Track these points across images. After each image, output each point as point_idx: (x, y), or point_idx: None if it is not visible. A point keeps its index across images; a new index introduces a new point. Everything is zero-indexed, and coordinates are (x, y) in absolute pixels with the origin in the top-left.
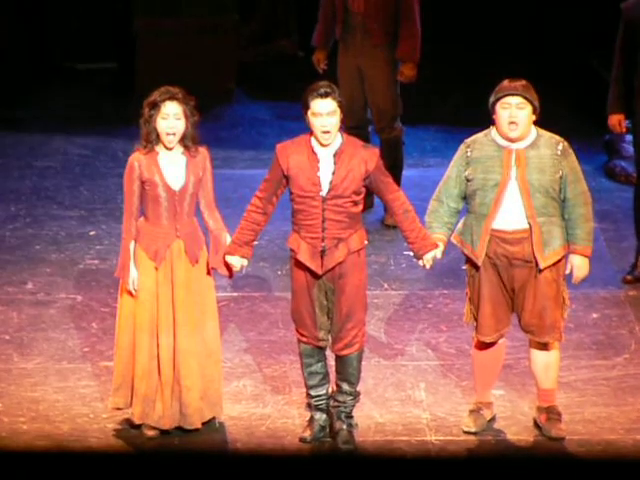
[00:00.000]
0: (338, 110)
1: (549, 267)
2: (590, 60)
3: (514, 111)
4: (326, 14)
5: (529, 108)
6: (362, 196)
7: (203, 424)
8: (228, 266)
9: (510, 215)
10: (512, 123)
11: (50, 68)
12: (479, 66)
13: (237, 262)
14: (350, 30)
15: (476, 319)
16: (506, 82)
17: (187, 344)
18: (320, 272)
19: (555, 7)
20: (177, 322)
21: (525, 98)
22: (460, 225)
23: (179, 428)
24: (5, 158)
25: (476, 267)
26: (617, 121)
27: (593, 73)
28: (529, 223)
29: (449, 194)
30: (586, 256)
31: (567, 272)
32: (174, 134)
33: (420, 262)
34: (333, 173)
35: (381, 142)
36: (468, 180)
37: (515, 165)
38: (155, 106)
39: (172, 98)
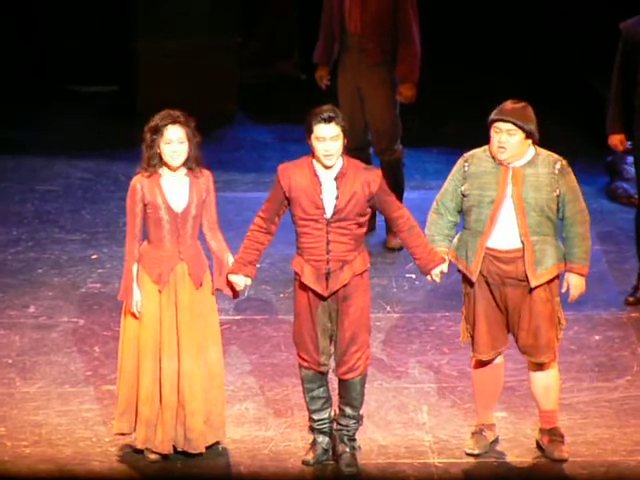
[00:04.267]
0: (341, 135)
1: (542, 286)
2: (592, 80)
3: (504, 137)
4: (326, 32)
5: (520, 134)
6: (367, 217)
7: (207, 448)
8: (232, 286)
9: (505, 234)
10: (500, 147)
11: (51, 91)
12: (480, 87)
13: (241, 281)
14: (347, 50)
15: (472, 337)
16: (508, 103)
17: (191, 368)
18: (326, 294)
19: (556, 27)
20: (181, 346)
21: (515, 125)
22: (456, 240)
23: (183, 452)
24: (7, 182)
25: (471, 284)
26: (618, 141)
27: (595, 94)
28: (522, 241)
29: (446, 207)
30: (583, 275)
31: (563, 290)
32: (179, 156)
33: (428, 277)
34: (337, 197)
35: (382, 164)
36: (464, 195)
37: (511, 182)
38: (157, 131)
39: (174, 122)
